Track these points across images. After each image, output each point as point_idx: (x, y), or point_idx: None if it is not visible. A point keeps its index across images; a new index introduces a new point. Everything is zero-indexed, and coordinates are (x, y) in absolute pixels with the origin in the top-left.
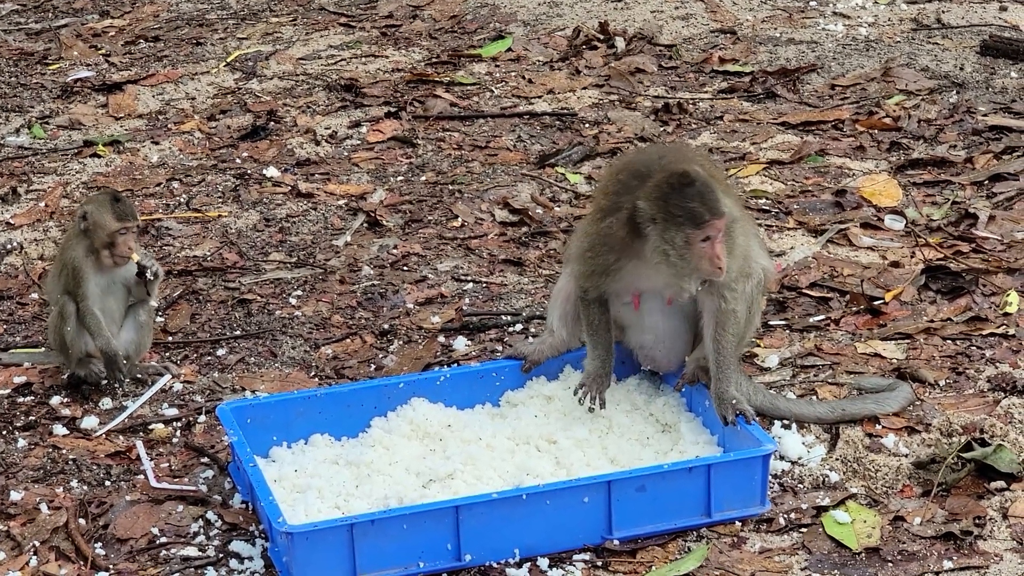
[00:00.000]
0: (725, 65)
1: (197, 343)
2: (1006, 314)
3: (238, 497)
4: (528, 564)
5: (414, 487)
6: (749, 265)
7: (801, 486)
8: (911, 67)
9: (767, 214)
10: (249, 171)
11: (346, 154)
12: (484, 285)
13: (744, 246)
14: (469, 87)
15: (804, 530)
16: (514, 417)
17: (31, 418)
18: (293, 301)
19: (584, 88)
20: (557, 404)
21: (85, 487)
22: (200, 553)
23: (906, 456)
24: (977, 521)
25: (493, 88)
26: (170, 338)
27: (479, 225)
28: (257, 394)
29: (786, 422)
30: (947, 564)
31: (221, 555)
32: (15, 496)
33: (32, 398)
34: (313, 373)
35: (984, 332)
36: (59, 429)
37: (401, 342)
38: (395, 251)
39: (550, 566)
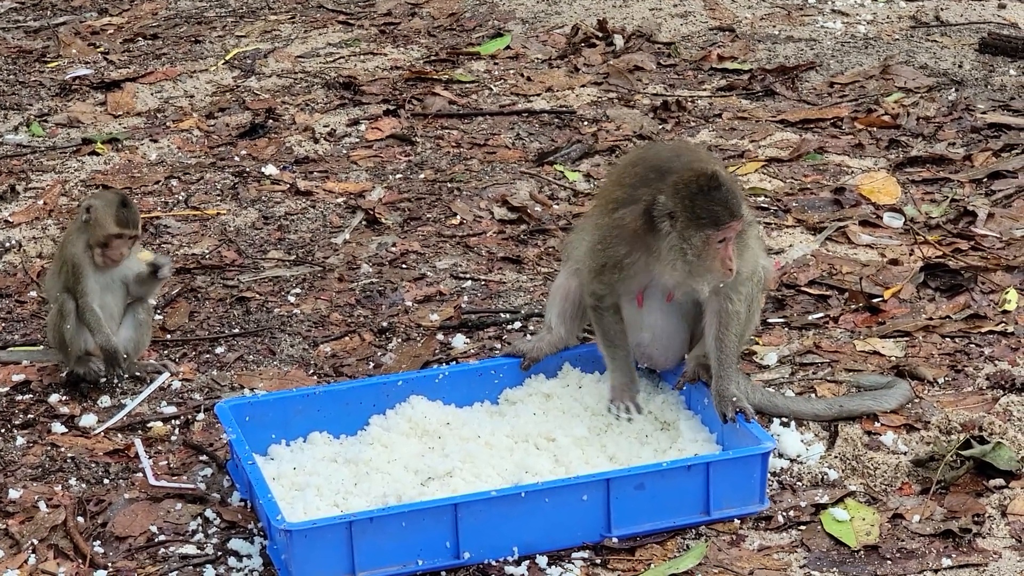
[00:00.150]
0: (724, 63)
1: (196, 341)
2: (1005, 312)
3: (237, 495)
4: (527, 562)
5: (413, 485)
6: (753, 267)
7: (800, 484)
8: (910, 65)
9: (766, 212)
10: (248, 169)
11: (345, 152)
12: (483, 283)
13: (753, 248)
14: (468, 85)
15: (803, 528)
16: (513, 415)
17: (30, 416)
18: (292, 299)
19: (583, 86)
20: (556, 402)
21: (84, 485)
22: (199, 551)
23: (905, 454)
24: (976, 519)
25: (492, 86)
26: (169, 336)
27: (478, 223)
28: (256, 392)
29: (785, 420)
30: (946, 562)
31: (220, 553)
32: (13, 494)
33: (31, 396)
34: (312, 371)
35: (983, 330)
36: (58, 427)
37: (400, 340)
38: (394, 249)
39: (549, 564)
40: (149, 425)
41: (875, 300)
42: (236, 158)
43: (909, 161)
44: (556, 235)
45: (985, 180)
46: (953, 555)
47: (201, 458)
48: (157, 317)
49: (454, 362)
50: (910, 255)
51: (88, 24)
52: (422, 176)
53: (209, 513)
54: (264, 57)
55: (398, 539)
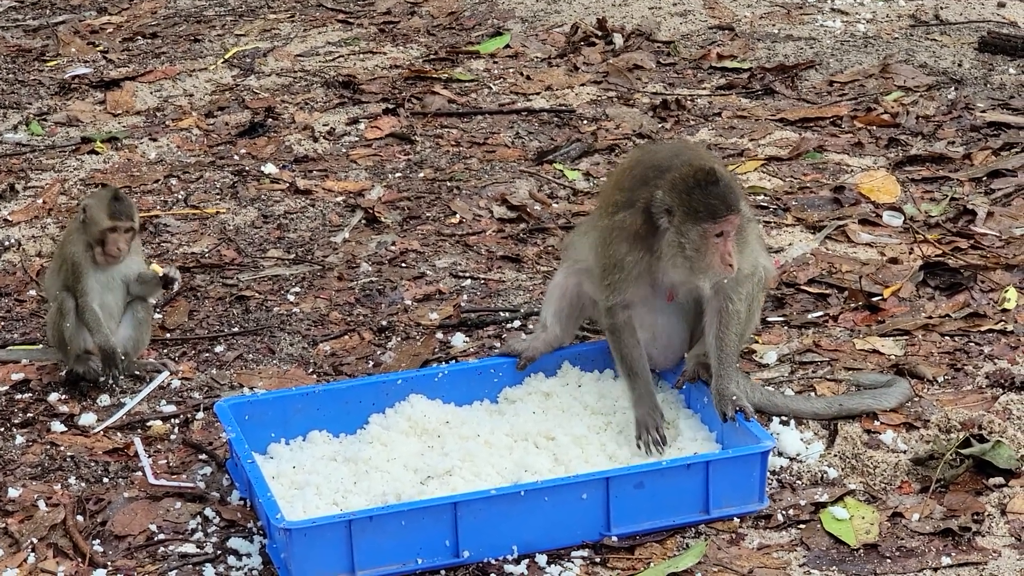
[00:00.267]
0: (723, 61)
1: (195, 340)
2: (1004, 310)
3: (236, 494)
4: (526, 561)
5: (412, 484)
6: (754, 266)
7: (799, 482)
8: (909, 63)
9: (765, 210)
10: (247, 168)
11: (344, 151)
12: (482, 282)
13: (754, 248)
14: (467, 84)
15: (802, 526)
16: (512, 414)
17: (29, 415)
18: (291, 298)
19: (582, 84)
20: (555, 401)
21: (83, 484)
22: (198, 550)
23: (904, 452)
24: (975, 517)
25: (491, 85)
26: (168, 335)
27: (477, 222)
28: (255, 391)
29: (784, 419)
30: (945, 560)
31: (219, 552)
32: (13, 493)
33: (30, 395)
34: (311, 370)
35: (982, 328)
36: (57, 426)
37: (399, 339)
38: (393, 248)
39: (548, 563)
40: (148, 424)
41: (875, 299)
42: (235, 157)
43: (909, 160)
44: (555, 234)
45: (984, 179)
46: (952, 553)
47: (200, 457)
48: (156, 316)
49: (453, 361)
50: (910, 254)
51: (87, 23)
52: (421, 175)
53: (208, 512)
54: (263, 56)
55: (397, 538)
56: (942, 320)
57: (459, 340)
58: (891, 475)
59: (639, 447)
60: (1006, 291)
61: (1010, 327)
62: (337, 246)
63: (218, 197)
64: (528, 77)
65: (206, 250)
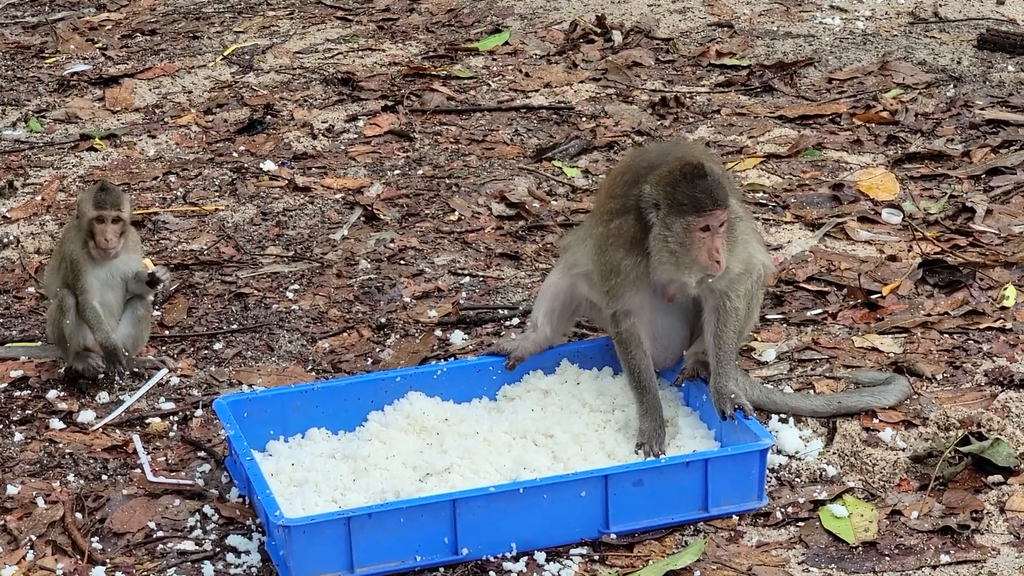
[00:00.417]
0: (722, 59)
1: (194, 337)
2: (1003, 308)
3: (235, 491)
4: (525, 558)
5: (411, 481)
6: (750, 263)
7: (798, 480)
8: (908, 61)
9: (764, 208)
10: (246, 165)
11: (343, 148)
12: (481, 279)
13: (747, 244)
14: (466, 81)
15: (801, 524)
16: (511, 411)
17: (27, 412)
18: (290, 295)
19: (581, 82)
20: (554, 398)
21: (82, 481)
22: (197, 547)
23: (903, 450)
24: (974, 515)
25: (490, 82)
26: (167, 332)
27: (476, 219)
28: (254, 388)
29: (783, 416)
30: (944, 558)
31: (218, 549)
32: (11, 490)
33: (29, 392)
34: (310, 367)
35: (981, 326)
36: (56, 423)
37: (398, 336)
38: (392, 245)
39: (547, 560)
40: (147, 421)
41: (873, 296)
42: (234, 154)
43: (908, 157)
44: (554, 231)
45: (983, 176)
46: (951, 551)
47: (199, 454)
48: (156, 313)
49: (452, 358)
50: (908, 251)
51: (86, 20)
52: (420, 172)
53: (207, 509)
54: (262, 53)
55: (396, 535)
56: (941, 318)
57: (458, 337)
58: (890, 473)
59: (637, 454)
60: (1005, 289)
61: (1009, 325)
62: (336, 243)
63: (217, 194)
64: (527, 74)
65: (205, 247)
